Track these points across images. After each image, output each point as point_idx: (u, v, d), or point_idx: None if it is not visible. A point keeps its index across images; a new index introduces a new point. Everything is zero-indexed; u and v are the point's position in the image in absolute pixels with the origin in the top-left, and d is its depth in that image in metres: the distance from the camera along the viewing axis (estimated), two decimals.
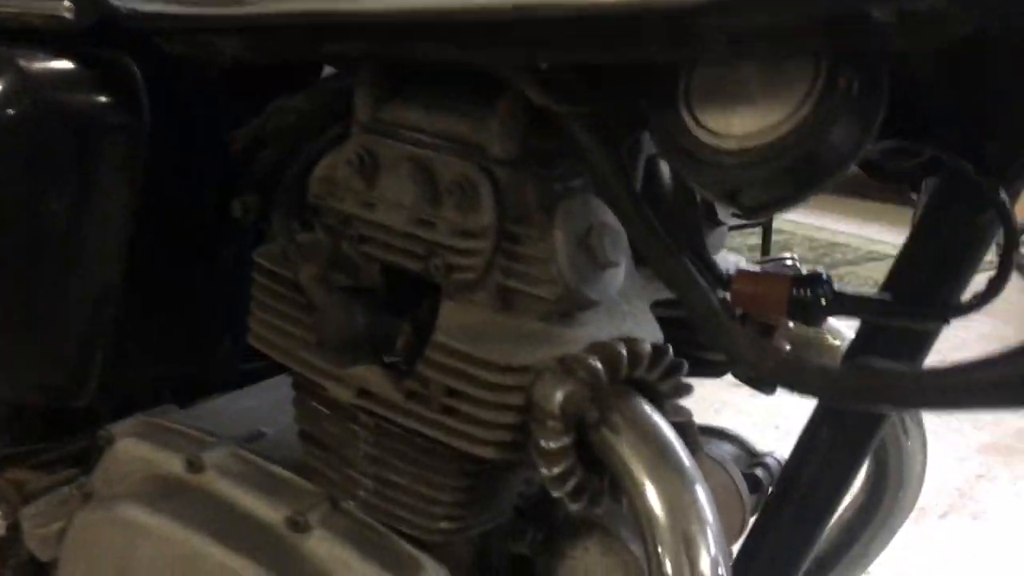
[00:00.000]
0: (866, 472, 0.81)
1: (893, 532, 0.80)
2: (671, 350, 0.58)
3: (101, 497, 0.73)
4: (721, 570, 0.54)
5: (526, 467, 0.65)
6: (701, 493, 0.55)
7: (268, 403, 0.80)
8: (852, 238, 3.89)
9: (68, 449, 0.90)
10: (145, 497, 0.70)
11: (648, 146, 0.65)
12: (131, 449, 0.74)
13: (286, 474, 0.70)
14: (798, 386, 0.49)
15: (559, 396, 0.55)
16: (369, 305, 0.61)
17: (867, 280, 3.36)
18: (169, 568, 0.67)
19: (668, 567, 0.54)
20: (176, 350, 0.84)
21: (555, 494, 0.56)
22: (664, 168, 0.64)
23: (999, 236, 0.51)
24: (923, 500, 2.08)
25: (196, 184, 0.79)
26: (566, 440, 0.56)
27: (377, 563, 0.64)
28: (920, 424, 0.81)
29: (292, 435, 0.71)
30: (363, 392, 0.62)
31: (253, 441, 0.75)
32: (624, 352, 0.56)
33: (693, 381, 0.61)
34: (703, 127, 0.49)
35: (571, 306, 0.59)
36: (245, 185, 0.76)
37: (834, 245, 3.78)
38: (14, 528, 0.83)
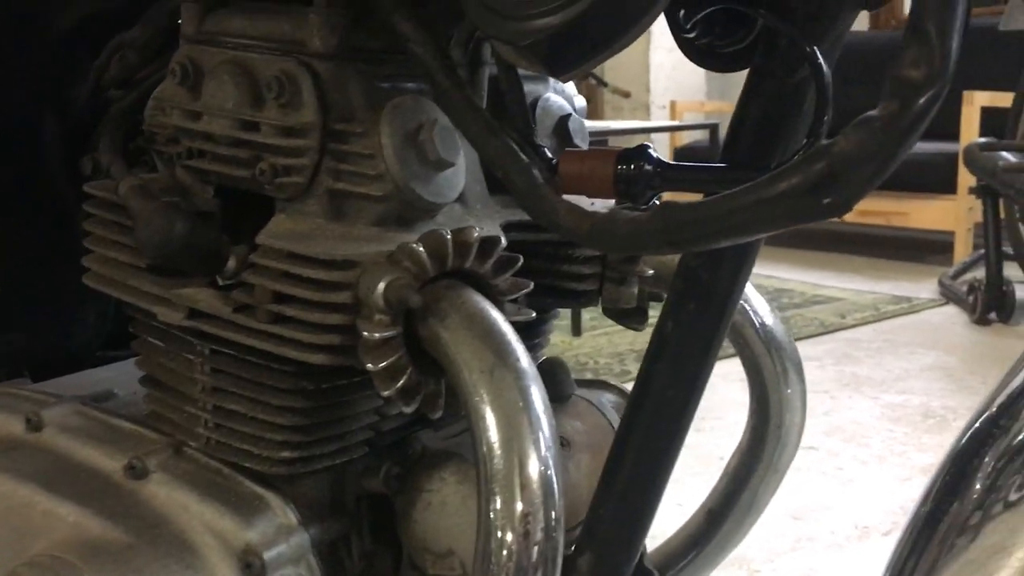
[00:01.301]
0: (748, 418, 0.78)
1: (780, 477, 0.77)
2: (503, 242, 0.56)
3: None
4: (550, 471, 0.52)
5: (372, 394, 0.62)
6: (533, 385, 0.53)
7: (127, 374, 0.76)
8: (798, 284, 3.95)
9: None
10: None
11: (489, 62, 0.64)
12: None
13: (129, 426, 0.67)
14: (612, 242, 0.48)
15: (381, 285, 0.53)
16: (192, 216, 0.58)
17: (812, 321, 3.37)
18: None
19: (494, 466, 0.51)
20: (30, 323, 0.80)
21: (384, 393, 0.53)
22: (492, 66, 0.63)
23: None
24: (868, 519, 2.04)
25: (43, 145, 0.77)
26: (391, 331, 0.53)
27: (217, 503, 0.60)
28: (799, 368, 0.79)
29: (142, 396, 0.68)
30: (194, 313, 0.59)
31: (100, 401, 0.71)
32: (450, 239, 0.54)
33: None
34: None
35: (404, 208, 0.57)
36: (94, 143, 0.74)
37: (781, 291, 3.83)
38: None
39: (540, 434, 0.52)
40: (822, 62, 0.50)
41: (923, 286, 3.93)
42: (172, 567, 0.57)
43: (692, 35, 0.56)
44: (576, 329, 3.17)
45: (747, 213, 0.42)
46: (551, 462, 0.52)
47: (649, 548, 0.70)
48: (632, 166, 0.52)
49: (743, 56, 0.56)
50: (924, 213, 4.26)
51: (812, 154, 0.40)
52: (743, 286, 0.57)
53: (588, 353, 3.00)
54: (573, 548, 0.62)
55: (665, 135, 4.94)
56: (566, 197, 0.52)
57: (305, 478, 0.62)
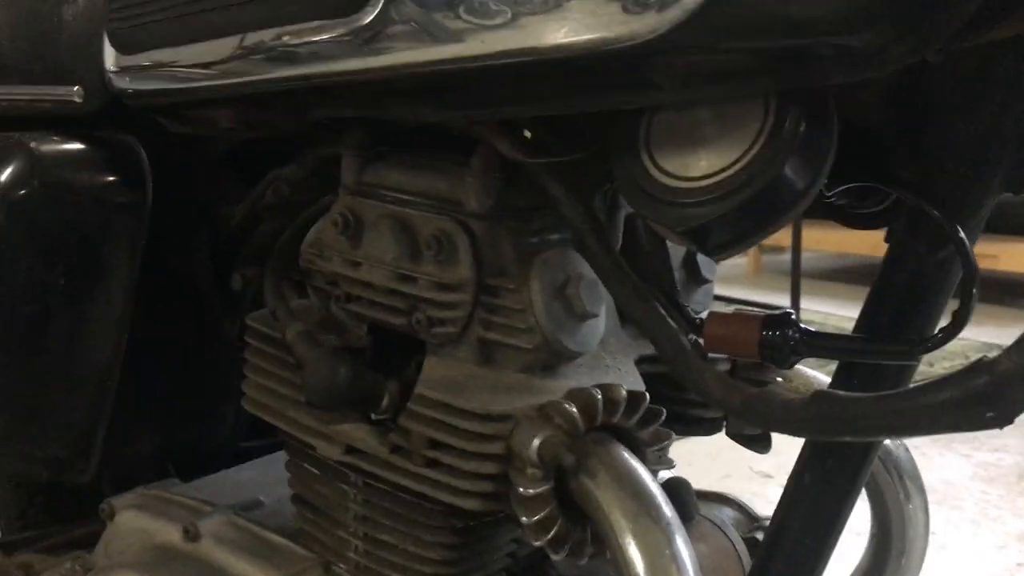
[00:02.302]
0: (870, 539, 0.79)
1: None
2: (647, 397, 0.59)
3: (100, 568, 0.74)
4: None
5: (514, 526, 0.65)
6: (680, 541, 0.55)
7: (268, 476, 0.81)
8: None
9: (75, 533, 0.91)
10: (141, 566, 0.71)
11: (625, 205, 0.67)
12: (130, 520, 0.75)
13: (281, 540, 0.71)
14: (763, 420, 0.50)
15: (536, 442, 0.56)
16: (354, 361, 0.62)
17: None
18: None
19: None
20: (177, 424, 0.85)
21: (535, 543, 0.56)
22: (639, 223, 0.66)
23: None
24: None
25: (196, 259, 0.82)
26: (544, 486, 0.56)
27: None
28: (922, 490, 0.80)
29: (289, 505, 0.72)
30: (350, 449, 0.63)
31: (250, 510, 0.75)
32: (599, 397, 0.57)
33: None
34: (662, 170, 0.51)
35: (550, 357, 0.60)
36: (244, 259, 0.79)
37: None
38: None
39: None
40: (966, 240, 0.51)
41: (1014, 331, 3.83)
42: None
43: (830, 199, 0.58)
44: None
45: (905, 418, 0.43)
46: None
47: None
48: (778, 332, 0.55)
49: (880, 217, 0.58)
50: (1015, 255, 4.16)
51: (974, 368, 0.42)
52: (882, 442, 0.59)
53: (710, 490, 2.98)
54: None
55: None
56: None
57: None
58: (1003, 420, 0.41)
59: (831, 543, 0.60)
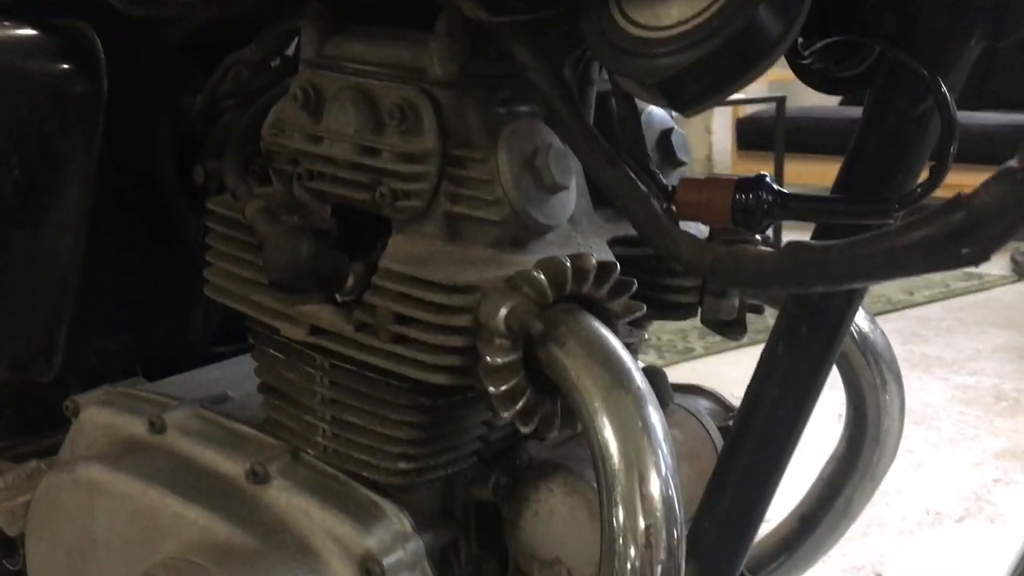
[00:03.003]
0: (845, 425, 0.79)
1: (875, 484, 0.78)
2: (618, 267, 0.57)
3: (64, 462, 0.73)
4: (671, 489, 0.53)
5: (483, 407, 0.64)
6: (651, 410, 0.54)
7: (237, 374, 0.79)
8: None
9: (45, 443, 0.89)
10: (104, 457, 0.70)
11: (597, 80, 0.65)
12: (95, 416, 0.74)
13: (248, 431, 0.69)
14: (735, 277, 0.48)
15: (503, 311, 0.54)
16: (317, 239, 0.60)
17: (879, 298, 3.33)
18: (128, 524, 0.66)
19: (617, 484, 0.53)
20: (143, 324, 0.83)
21: (504, 414, 0.55)
22: (611, 100, 0.64)
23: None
24: (940, 505, 2.04)
25: (157, 153, 0.80)
26: (512, 356, 0.55)
27: (337, 509, 0.62)
28: (898, 378, 0.79)
29: (257, 399, 0.71)
30: (315, 330, 0.62)
31: (217, 404, 0.74)
32: (569, 266, 0.55)
33: None
34: (631, 21, 0.49)
35: (519, 230, 0.59)
36: (206, 151, 0.77)
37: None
38: None
39: (660, 453, 0.53)
40: (947, 94, 0.50)
41: (994, 262, 3.84)
42: (297, 572, 0.60)
43: (807, 61, 0.56)
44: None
45: (880, 259, 0.42)
46: (672, 481, 0.53)
47: None
48: (750, 195, 0.53)
49: (859, 80, 0.56)
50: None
51: (951, 204, 0.41)
52: (856, 311, 0.58)
53: (652, 330, 3.00)
54: None
55: (727, 108, 4.86)
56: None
57: (418, 487, 0.64)
58: (978, 256, 0.40)
59: (804, 416, 0.60)
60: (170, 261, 0.82)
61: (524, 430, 0.56)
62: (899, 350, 2.90)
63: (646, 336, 0.76)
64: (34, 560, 0.73)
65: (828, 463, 0.79)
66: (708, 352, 2.73)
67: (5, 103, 0.72)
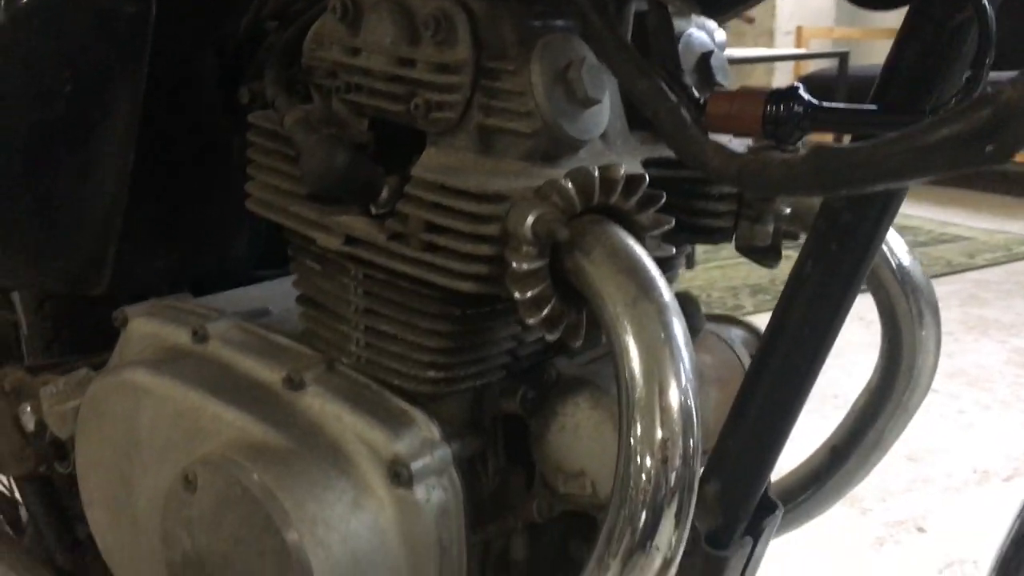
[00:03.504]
0: (879, 357, 0.78)
1: (908, 418, 0.78)
2: (647, 179, 0.58)
3: (110, 368, 0.75)
4: (690, 400, 0.54)
5: (513, 321, 0.65)
6: (674, 319, 0.54)
7: (278, 293, 0.81)
8: (925, 221, 3.82)
9: (97, 360, 0.93)
10: (149, 363, 0.72)
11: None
12: (142, 326, 0.77)
13: (286, 341, 0.71)
14: (762, 184, 0.48)
15: (531, 219, 0.55)
16: (352, 149, 0.61)
17: (938, 260, 3.27)
18: (170, 425, 0.69)
19: (636, 393, 0.53)
20: (189, 242, 0.86)
21: (529, 322, 0.56)
22: (649, 19, 0.63)
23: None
24: (988, 464, 2.01)
25: (203, 74, 0.81)
26: (538, 263, 0.55)
27: (368, 416, 0.64)
28: (936, 313, 0.78)
29: (296, 315, 0.72)
30: (350, 239, 0.63)
31: (258, 317, 0.76)
32: (597, 176, 0.56)
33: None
34: None
35: (550, 144, 0.59)
36: (251, 72, 0.78)
37: (906, 228, 3.71)
38: (42, 424, 0.86)
39: (681, 365, 0.54)
40: (987, 4, 0.49)
41: None
42: (328, 471, 0.62)
43: None
44: (690, 261, 3.15)
45: (905, 158, 0.42)
46: (691, 392, 0.54)
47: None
48: (782, 107, 0.53)
49: None
50: None
51: (977, 101, 0.40)
52: (887, 229, 0.57)
53: (701, 286, 2.98)
54: (699, 477, 0.64)
55: (789, 63, 4.77)
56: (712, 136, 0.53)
57: (447, 397, 0.66)
58: (1001, 154, 0.40)
59: (831, 336, 0.60)
60: (215, 182, 0.84)
61: (549, 338, 0.57)
62: (956, 312, 2.90)
63: (681, 257, 0.77)
64: (83, 461, 0.76)
65: (861, 395, 0.79)
66: (758, 310, 2.71)
67: (58, 22, 0.74)
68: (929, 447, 1.97)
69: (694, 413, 0.53)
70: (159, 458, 0.69)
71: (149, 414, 0.70)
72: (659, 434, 0.53)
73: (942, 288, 2.97)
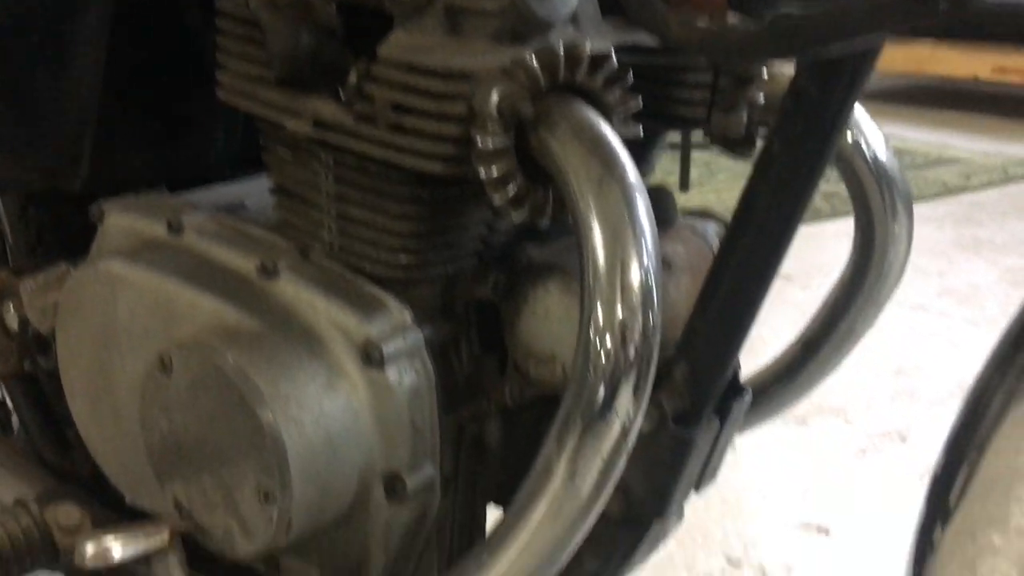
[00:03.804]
0: (852, 250, 0.79)
1: (878, 310, 0.78)
2: (614, 57, 0.57)
3: (87, 261, 0.76)
4: (651, 279, 0.54)
5: (483, 206, 0.65)
6: (639, 197, 0.55)
7: (254, 190, 0.81)
8: (921, 144, 3.79)
9: (78, 261, 0.93)
10: (125, 254, 0.73)
11: None
12: (118, 220, 0.77)
13: (260, 232, 0.72)
14: (723, 50, 0.48)
15: (495, 96, 0.55)
16: (319, 34, 0.61)
17: (934, 182, 3.26)
18: (146, 314, 0.70)
19: (598, 270, 0.54)
20: (165, 138, 0.85)
21: (495, 201, 0.56)
22: None
23: None
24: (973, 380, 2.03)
25: None
26: (504, 141, 0.55)
27: (341, 301, 0.65)
28: (909, 207, 0.79)
29: (271, 210, 0.73)
30: (319, 124, 0.63)
31: (233, 211, 0.76)
32: (561, 53, 0.55)
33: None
34: None
35: (518, 22, 0.59)
36: None
37: (902, 151, 3.69)
38: (24, 322, 0.87)
39: (643, 242, 0.54)
40: None
41: None
42: (301, 354, 0.63)
43: None
44: (684, 183, 3.15)
45: (861, 16, 0.42)
46: (652, 269, 0.54)
47: (743, 378, 0.73)
48: None
49: None
50: None
51: None
52: (852, 106, 0.57)
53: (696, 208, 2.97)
54: (670, 358, 0.65)
55: None
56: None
57: (419, 283, 0.66)
58: (956, 7, 0.39)
59: (798, 215, 0.60)
60: (190, 79, 0.84)
61: (516, 218, 0.57)
62: (950, 233, 2.89)
63: (658, 148, 0.77)
64: (64, 354, 0.78)
65: (833, 290, 0.80)
66: None
67: None
68: (916, 362, 1.99)
69: (654, 290, 0.54)
70: (137, 346, 0.70)
71: (126, 304, 0.71)
72: (619, 310, 0.54)
73: (937, 210, 2.96)
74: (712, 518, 1.44)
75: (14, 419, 1.02)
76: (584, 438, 0.53)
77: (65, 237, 0.97)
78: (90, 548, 0.59)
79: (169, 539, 0.62)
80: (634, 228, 0.55)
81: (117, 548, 0.60)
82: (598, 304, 0.54)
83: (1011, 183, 3.30)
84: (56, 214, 0.95)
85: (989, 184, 3.27)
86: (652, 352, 0.55)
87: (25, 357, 0.86)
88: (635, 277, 0.54)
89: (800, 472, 1.58)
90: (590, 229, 0.55)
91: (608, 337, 0.54)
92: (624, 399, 0.53)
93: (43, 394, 0.90)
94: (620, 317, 0.54)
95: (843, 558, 1.37)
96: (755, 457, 1.62)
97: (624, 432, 0.53)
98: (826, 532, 1.43)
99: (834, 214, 2.67)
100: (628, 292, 0.54)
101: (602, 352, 0.54)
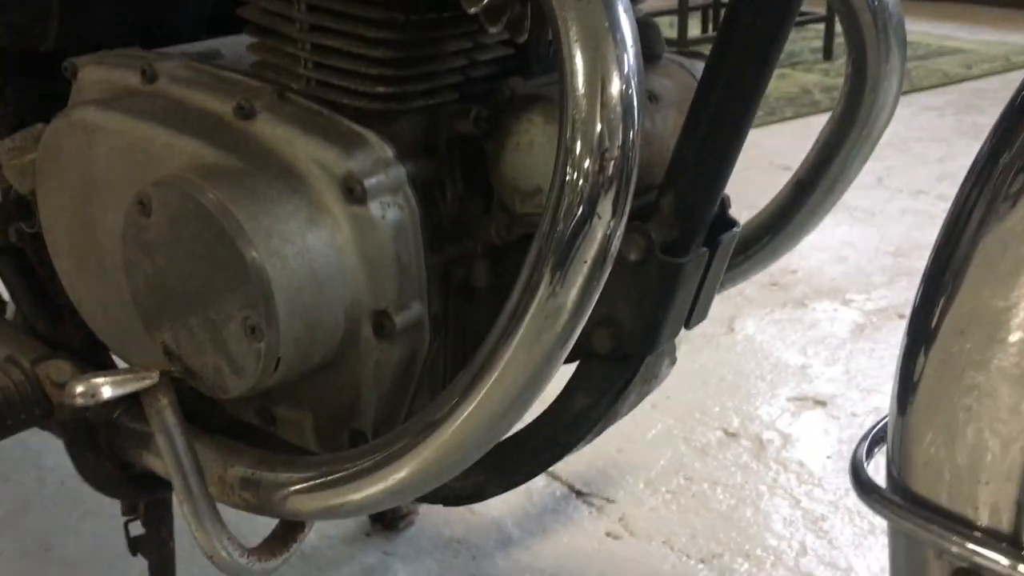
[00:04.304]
0: (844, 84, 0.77)
1: (872, 146, 0.77)
2: None
3: (61, 113, 0.74)
4: (631, 91, 0.52)
5: (461, 35, 0.63)
6: (620, 9, 0.53)
7: (231, 44, 0.79)
8: (923, 35, 3.72)
9: None
10: (99, 101, 0.71)
11: None
12: (92, 73, 0.75)
13: (237, 76, 0.70)
14: None
15: None
16: None
17: (935, 72, 3.20)
18: (123, 158, 0.68)
19: (577, 83, 0.52)
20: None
21: (471, 10, 0.54)
22: None
23: None
24: None
25: None
26: None
27: (320, 137, 0.64)
28: (903, 44, 0.76)
29: (248, 57, 0.71)
30: None
31: (208, 58, 0.74)
32: None
33: None
34: None
35: None
36: None
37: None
38: (5, 192, 0.85)
39: (624, 56, 0.53)
40: None
41: None
42: (281, 190, 0.62)
43: None
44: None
45: None
46: (633, 83, 0.52)
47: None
48: None
49: None
50: None
51: None
52: None
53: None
54: (657, 191, 0.64)
55: None
56: None
57: (400, 118, 0.65)
58: None
59: (781, 38, 0.58)
60: None
61: (492, 30, 0.56)
62: (950, 120, 2.85)
63: None
64: (46, 212, 0.77)
65: (826, 126, 0.78)
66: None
67: None
68: (915, 244, 1.99)
69: (635, 103, 0.52)
70: (116, 193, 0.69)
71: (102, 151, 0.69)
72: (597, 125, 0.52)
73: (938, 98, 2.92)
74: (709, 395, 1.45)
75: (5, 296, 1.02)
76: (568, 244, 0.52)
77: (47, 117, 0.95)
78: (79, 387, 0.59)
79: (159, 379, 0.62)
80: (615, 39, 0.53)
81: (107, 387, 0.60)
82: (578, 115, 0.52)
83: (1013, 71, 3.25)
84: (36, 96, 0.93)
85: (991, 72, 3.22)
86: (632, 167, 0.53)
87: (9, 225, 0.85)
88: (615, 89, 0.52)
89: (798, 350, 1.59)
90: (569, 43, 0.53)
91: (587, 148, 0.52)
92: (606, 204, 0.51)
93: (31, 265, 0.90)
94: (599, 129, 0.52)
95: (840, 429, 1.38)
96: (752, 338, 1.63)
97: (607, 237, 0.52)
98: (823, 404, 1.44)
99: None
100: (608, 105, 0.52)
101: (584, 158, 0.52)
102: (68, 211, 0.74)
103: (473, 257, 0.69)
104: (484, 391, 0.55)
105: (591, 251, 0.52)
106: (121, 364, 0.81)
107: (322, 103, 0.65)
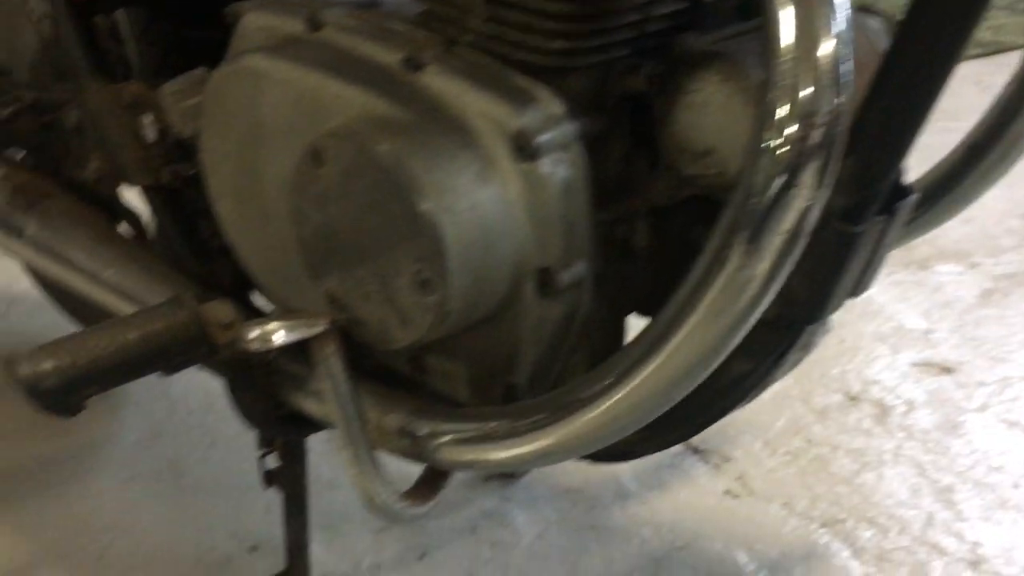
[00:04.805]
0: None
1: None
2: None
3: (228, 59, 0.75)
4: (844, 52, 0.50)
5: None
6: None
7: None
8: None
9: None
10: (266, 49, 0.72)
11: None
12: (255, 20, 0.75)
13: (403, 26, 0.70)
14: None
15: None
16: None
17: None
18: (292, 107, 0.69)
19: (784, 44, 0.50)
20: None
21: None
22: None
23: None
24: None
25: None
26: None
27: (491, 91, 0.63)
28: None
29: (413, 7, 0.70)
30: None
31: (370, 6, 0.74)
32: None
33: None
34: None
35: None
36: None
37: None
38: (163, 132, 0.87)
39: (835, 14, 0.50)
40: None
41: None
42: (453, 144, 0.62)
43: None
44: None
45: None
46: (846, 43, 0.50)
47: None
48: None
49: None
50: None
51: None
52: None
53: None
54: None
55: None
56: None
57: (572, 73, 0.64)
58: None
59: (981, 7, 0.55)
60: None
61: None
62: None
63: None
64: (208, 156, 0.78)
65: (1005, 88, 0.74)
66: None
67: None
68: None
69: (847, 67, 0.50)
70: (283, 141, 0.70)
71: (270, 99, 0.70)
72: (807, 88, 0.50)
73: (991, 65, 2.76)
74: (829, 356, 1.42)
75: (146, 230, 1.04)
76: (764, 213, 0.50)
77: (191, 55, 0.96)
78: (255, 331, 0.60)
79: (329, 326, 0.63)
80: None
81: (280, 333, 0.61)
82: (787, 70, 0.50)
83: None
84: (180, 35, 0.95)
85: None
86: (842, 124, 0.51)
87: (166, 166, 0.87)
88: (825, 52, 0.50)
89: (920, 314, 1.54)
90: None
91: (795, 108, 0.50)
92: (809, 174, 0.50)
93: (183, 203, 0.92)
94: (808, 91, 0.50)
95: (968, 399, 1.34)
96: (874, 301, 1.59)
97: (807, 209, 0.50)
98: (948, 371, 1.40)
99: (999, 50, 2.50)
100: (816, 68, 0.50)
101: (789, 123, 0.50)
102: (232, 156, 0.75)
103: (636, 216, 0.68)
104: (660, 360, 0.54)
105: (788, 222, 0.50)
106: (266, 307, 0.83)
107: (491, 56, 0.64)
